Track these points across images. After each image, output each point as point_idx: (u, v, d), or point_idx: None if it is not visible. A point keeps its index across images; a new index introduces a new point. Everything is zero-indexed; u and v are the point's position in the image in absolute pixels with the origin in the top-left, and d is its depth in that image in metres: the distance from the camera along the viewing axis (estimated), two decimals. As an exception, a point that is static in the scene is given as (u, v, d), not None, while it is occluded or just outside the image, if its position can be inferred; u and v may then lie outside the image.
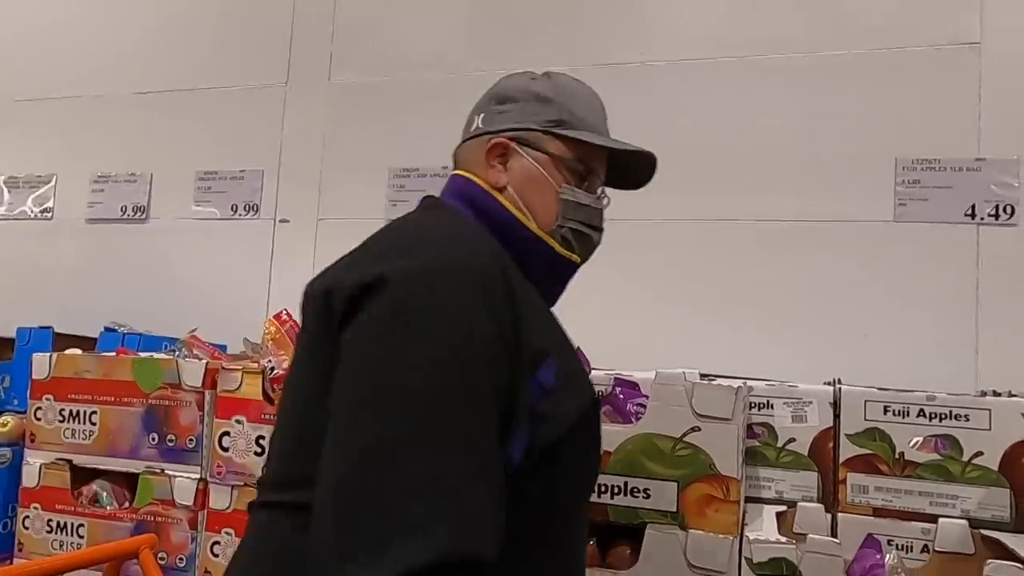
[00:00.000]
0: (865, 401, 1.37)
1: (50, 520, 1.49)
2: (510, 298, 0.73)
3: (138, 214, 2.56)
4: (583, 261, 0.94)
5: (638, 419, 1.20)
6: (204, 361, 1.42)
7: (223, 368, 1.40)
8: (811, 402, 1.40)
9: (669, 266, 2.01)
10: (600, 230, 0.95)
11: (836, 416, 1.39)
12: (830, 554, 1.07)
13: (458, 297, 0.71)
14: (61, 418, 1.51)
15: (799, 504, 1.36)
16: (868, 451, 1.35)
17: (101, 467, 1.48)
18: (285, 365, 1.39)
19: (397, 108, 2.33)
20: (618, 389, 1.25)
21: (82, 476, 1.51)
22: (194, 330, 1.76)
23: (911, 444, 1.33)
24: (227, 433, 1.38)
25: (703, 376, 1.47)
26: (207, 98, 2.54)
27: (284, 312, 1.45)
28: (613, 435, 1.19)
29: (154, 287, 2.49)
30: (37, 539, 1.50)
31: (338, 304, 0.71)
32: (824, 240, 1.92)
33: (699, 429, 1.15)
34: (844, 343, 1.88)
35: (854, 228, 1.91)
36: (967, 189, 1.84)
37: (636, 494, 1.17)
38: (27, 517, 1.51)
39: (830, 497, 1.37)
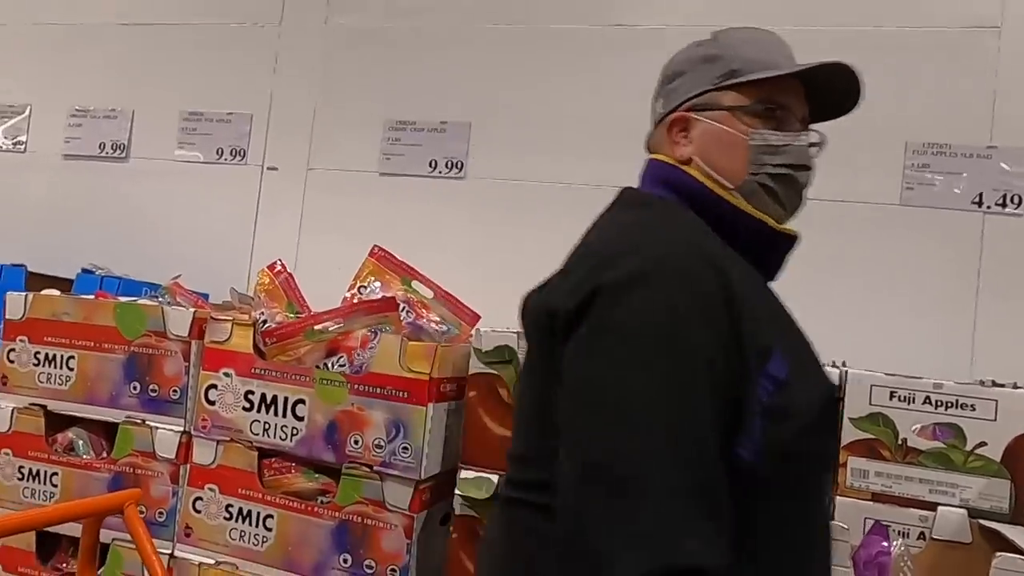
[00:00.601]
0: (871, 386, 1.34)
1: (22, 467, 1.43)
2: (727, 297, 0.71)
3: (118, 152, 2.44)
4: (791, 214, 0.90)
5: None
6: (192, 309, 1.35)
7: (212, 318, 1.34)
8: (816, 384, 1.38)
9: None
10: (806, 168, 0.90)
11: (840, 399, 1.37)
12: (838, 539, 1.05)
13: (670, 305, 0.70)
14: (36, 361, 1.44)
15: (798, 485, 1.34)
16: (871, 436, 1.33)
17: (78, 414, 1.42)
18: (278, 318, 1.33)
19: (396, 56, 2.24)
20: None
21: (57, 423, 1.44)
22: (177, 276, 1.68)
23: (913, 430, 1.32)
24: (214, 386, 1.32)
25: None
26: (195, 34, 2.41)
27: (278, 262, 1.38)
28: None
29: (132, 230, 2.39)
30: (7, 486, 1.43)
31: (559, 323, 0.73)
32: (829, 219, 1.89)
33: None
34: (842, 323, 1.86)
35: (860, 209, 1.88)
36: (976, 176, 1.81)
37: (641, 469, 1.14)
38: (-3, 463, 1.44)
39: (829, 480, 1.35)
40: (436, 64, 2.20)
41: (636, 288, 0.70)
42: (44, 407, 1.43)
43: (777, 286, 2.14)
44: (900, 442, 1.32)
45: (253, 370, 1.30)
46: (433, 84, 2.20)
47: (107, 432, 1.43)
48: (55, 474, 1.40)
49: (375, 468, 1.22)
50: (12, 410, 1.44)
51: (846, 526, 1.07)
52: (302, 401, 1.26)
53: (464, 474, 1.21)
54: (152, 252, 2.30)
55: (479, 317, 1.45)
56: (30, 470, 1.42)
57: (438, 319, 1.42)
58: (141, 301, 1.45)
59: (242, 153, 2.34)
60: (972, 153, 1.82)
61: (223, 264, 2.28)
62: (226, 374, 1.31)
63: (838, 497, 1.34)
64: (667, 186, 0.87)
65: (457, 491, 1.19)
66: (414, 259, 1.59)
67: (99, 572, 1.34)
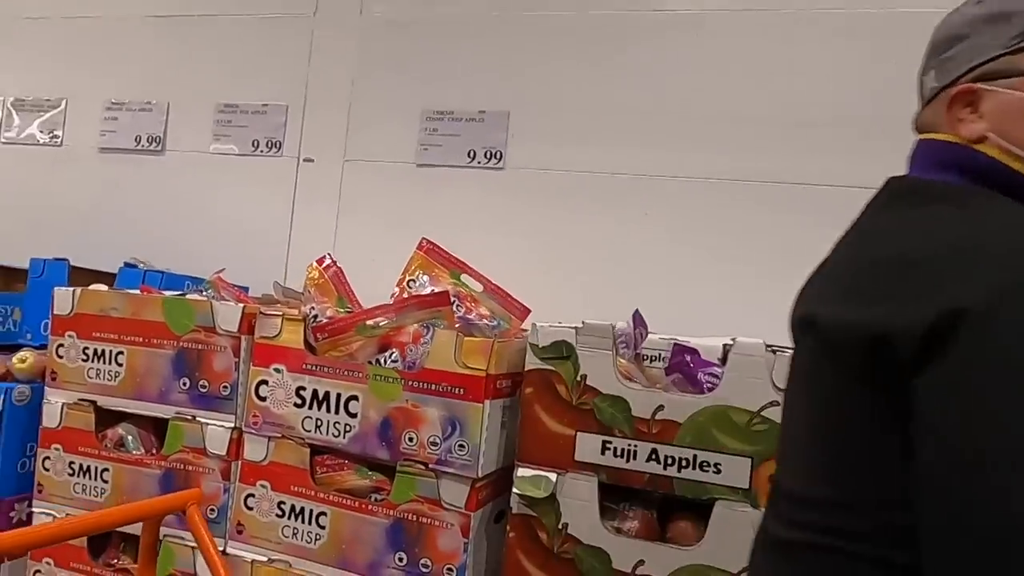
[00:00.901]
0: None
1: (72, 463, 1.42)
2: None
3: (153, 145, 2.44)
4: None
5: (711, 389, 1.13)
6: (241, 304, 1.34)
7: (261, 313, 1.32)
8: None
9: (711, 227, 1.93)
10: None
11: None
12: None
13: None
14: (85, 357, 1.43)
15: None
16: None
17: (127, 410, 1.41)
18: (328, 313, 1.31)
19: (432, 45, 2.20)
20: (688, 357, 1.18)
21: (106, 419, 1.44)
22: (221, 270, 1.67)
23: None
24: (264, 382, 1.31)
25: (768, 347, 1.41)
26: (230, 25, 2.40)
27: (328, 256, 1.36)
28: (683, 405, 1.13)
29: (169, 223, 2.38)
30: (58, 481, 1.43)
31: (904, 350, 0.62)
32: (851, 205, 1.84)
33: (778, 403, 1.08)
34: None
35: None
36: None
37: (706, 468, 1.11)
38: (47, 458, 1.44)
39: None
40: (473, 52, 2.16)
41: (1010, 306, 0.59)
42: (94, 403, 1.42)
43: (803, 274, 2.06)
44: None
45: (304, 366, 1.28)
46: (470, 73, 2.16)
47: (156, 428, 1.42)
48: (106, 470, 1.40)
49: (430, 466, 1.20)
50: (62, 405, 1.44)
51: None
52: (355, 397, 1.25)
53: (521, 472, 1.18)
54: (189, 246, 2.30)
55: (529, 311, 1.43)
56: (80, 466, 1.42)
57: (488, 313, 1.39)
58: (189, 296, 1.44)
59: (278, 145, 2.32)
60: None
61: (260, 257, 2.27)
62: (277, 370, 1.30)
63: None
64: (956, 170, 0.75)
65: (515, 490, 1.17)
66: (453, 251, 1.57)
67: (151, 568, 1.34)
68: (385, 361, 1.25)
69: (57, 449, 1.43)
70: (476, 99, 2.17)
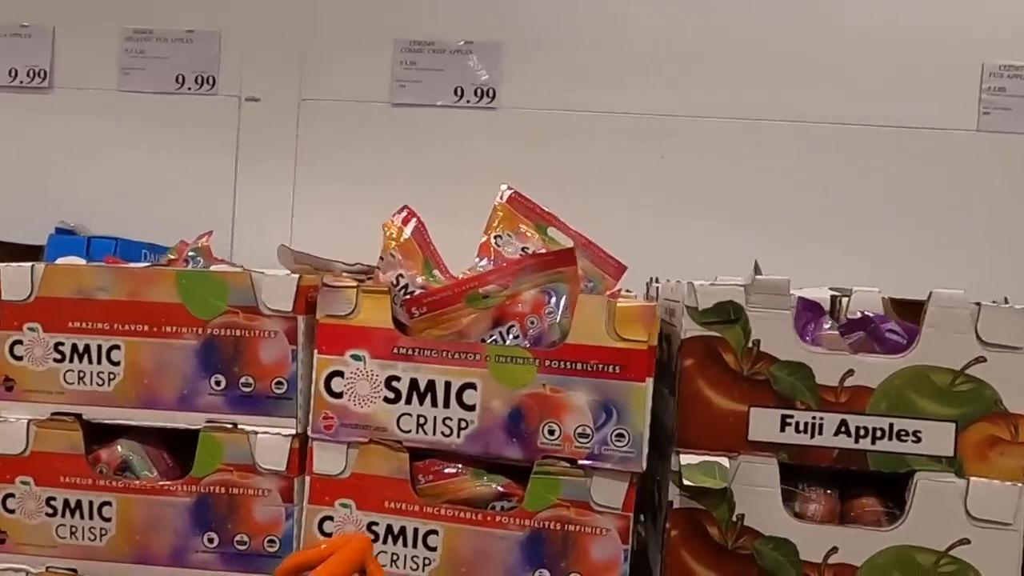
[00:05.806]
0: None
1: (51, 499, 1.05)
2: None
3: (36, 80, 1.93)
4: None
5: (900, 349, 1.00)
6: (295, 275, 1.03)
7: (326, 285, 1.02)
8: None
9: (733, 173, 1.81)
10: None
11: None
12: None
13: None
14: (59, 356, 1.05)
15: None
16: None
17: (132, 422, 1.06)
18: (419, 281, 1.03)
19: (405, -36, 1.89)
20: (870, 314, 1.04)
21: (95, 436, 1.08)
22: (208, 233, 1.32)
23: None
24: (338, 373, 1.02)
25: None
26: (136, -71, 1.93)
27: (407, 209, 1.08)
28: (877, 368, 0.98)
29: (69, 181, 1.91)
30: (31, 525, 1.06)
31: None
32: (901, 147, 1.80)
33: (984, 360, 0.97)
34: (920, 254, 1.79)
35: (934, 136, 1.79)
36: (1050, 100, 1.77)
37: (904, 437, 0.98)
38: (10, 496, 1.06)
39: None
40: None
41: None
42: (78, 416, 1.06)
43: (847, 219, 2.01)
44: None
45: (396, 350, 1.00)
46: (455, -4, 1.88)
47: (169, 444, 1.09)
48: (106, 504, 1.05)
49: (580, 462, 0.98)
50: (27, 424, 1.06)
51: None
52: (471, 385, 0.99)
53: (686, 459, 0.99)
54: (107, 209, 1.85)
55: (624, 268, 1.22)
56: (66, 501, 1.05)
57: (581, 273, 1.18)
58: (216, 268, 1.10)
59: (211, 81, 1.91)
60: (1046, 76, 1.77)
61: (198, 220, 1.87)
62: (356, 357, 1.01)
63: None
64: None
65: (686, 480, 0.98)
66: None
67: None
68: (505, 338, 1.01)
69: (25, 483, 1.06)
70: (461, 26, 1.89)
